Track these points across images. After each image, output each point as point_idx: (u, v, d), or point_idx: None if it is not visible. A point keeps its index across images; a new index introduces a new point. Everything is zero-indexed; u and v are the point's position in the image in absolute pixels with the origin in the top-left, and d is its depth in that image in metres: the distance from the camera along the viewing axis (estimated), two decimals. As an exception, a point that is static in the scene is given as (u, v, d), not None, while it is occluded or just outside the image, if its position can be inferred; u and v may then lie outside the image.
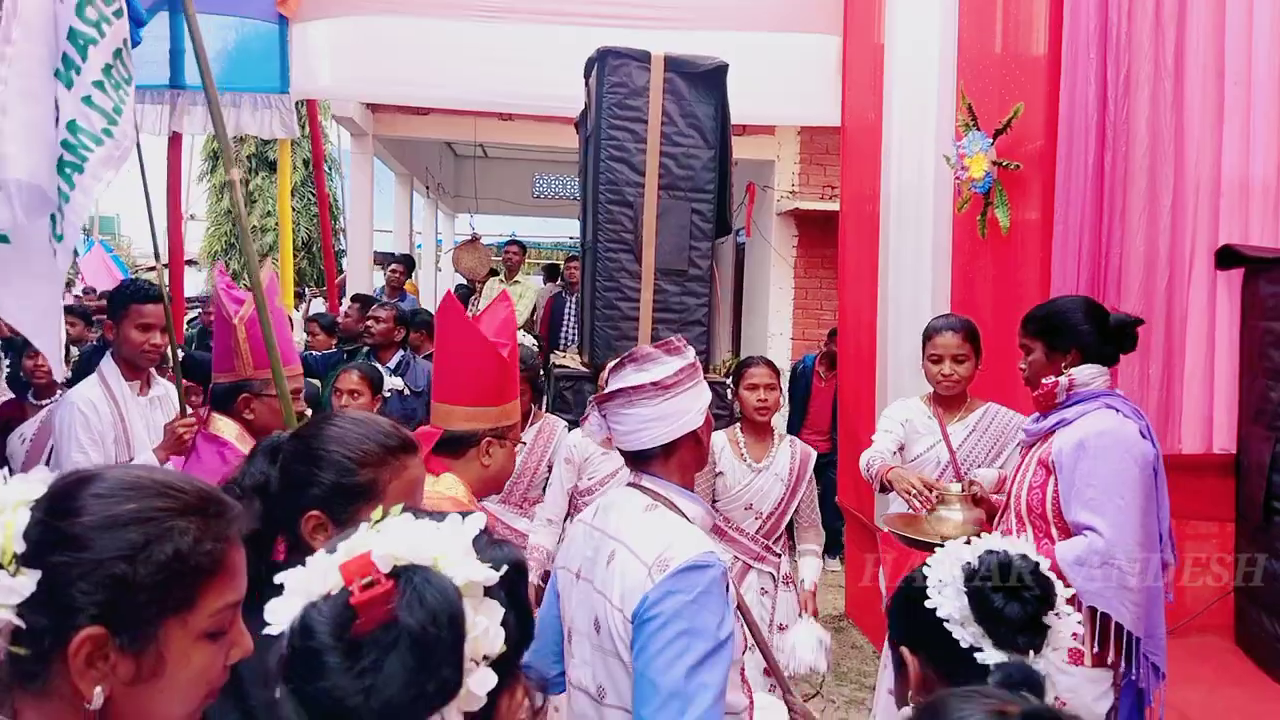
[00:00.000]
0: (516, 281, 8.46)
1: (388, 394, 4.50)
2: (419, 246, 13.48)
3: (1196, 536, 4.02)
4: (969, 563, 1.53)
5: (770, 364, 3.91)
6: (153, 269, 3.52)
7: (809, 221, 8.94)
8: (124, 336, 3.45)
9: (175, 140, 6.53)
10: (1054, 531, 2.71)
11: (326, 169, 16.38)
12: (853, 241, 6.25)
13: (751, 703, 1.88)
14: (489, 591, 0.93)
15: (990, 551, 1.54)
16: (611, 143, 4.57)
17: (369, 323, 5.56)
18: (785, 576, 3.88)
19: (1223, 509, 3.89)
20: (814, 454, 3.94)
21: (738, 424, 3.94)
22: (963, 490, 3.10)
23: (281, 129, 6.50)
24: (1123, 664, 2.59)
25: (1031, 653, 1.47)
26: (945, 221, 4.69)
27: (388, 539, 0.92)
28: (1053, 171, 3.81)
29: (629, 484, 1.93)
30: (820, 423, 7.35)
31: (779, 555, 3.88)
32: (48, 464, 3.75)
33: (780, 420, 8.54)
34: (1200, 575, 4.03)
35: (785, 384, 8.36)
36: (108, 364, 3.56)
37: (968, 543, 1.61)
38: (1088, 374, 2.71)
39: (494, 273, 8.80)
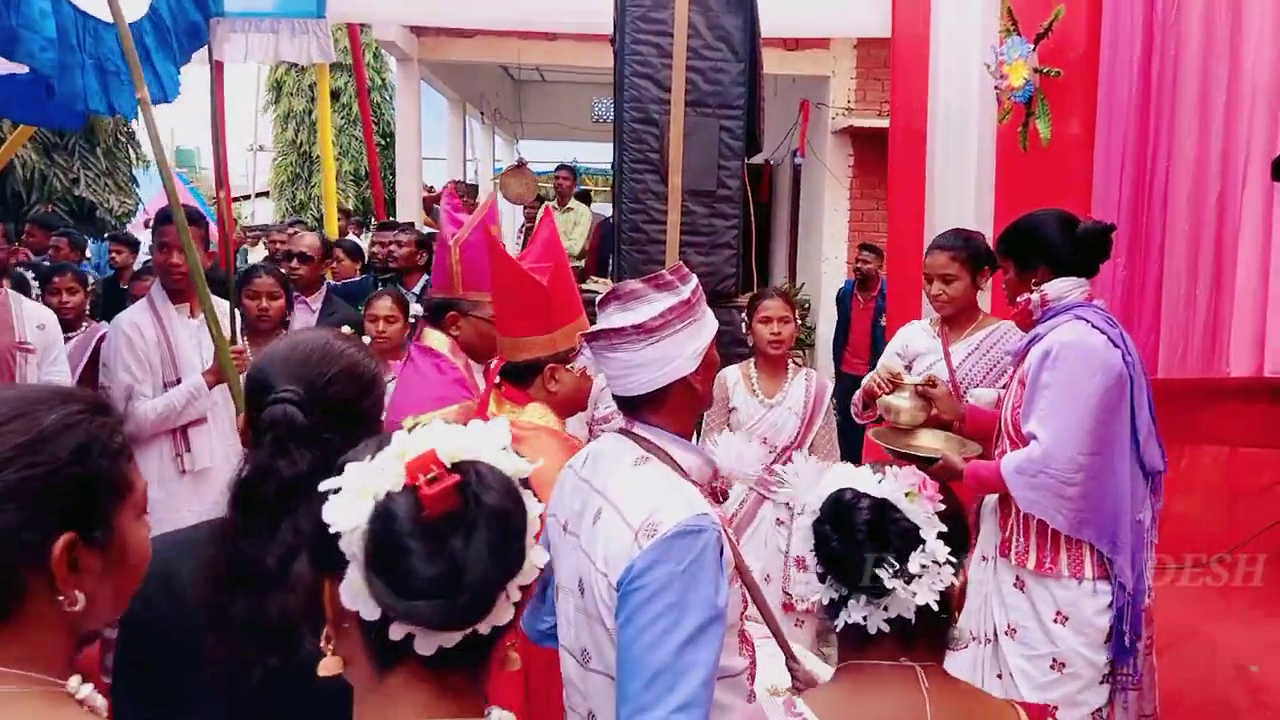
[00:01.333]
0: (570, 208, 8.35)
1: (413, 319, 4.48)
2: (474, 174, 13.43)
3: (1248, 464, 3.84)
4: (824, 495, 1.45)
5: (785, 296, 3.80)
6: (240, 199, 3.61)
7: (865, 140, 8.62)
8: (155, 258, 3.65)
9: (218, 69, 6.55)
10: None
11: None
12: (900, 160, 5.99)
13: (754, 660, 1.76)
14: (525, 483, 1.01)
15: (843, 489, 1.43)
16: (635, 58, 4.42)
17: (391, 248, 5.55)
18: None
19: (1275, 435, 3.69)
20: (830, 385, 3.85)
21: (752, 359, 3.85)
22: (919, 385, 3.09)
23: (319, 54, 6.45)
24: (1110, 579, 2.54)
25: (865, 598, 1.39)
26: (990, 136, 4.47)
27: (439, 440, 0.98)
28: (1095, 78, 3.59)
29: (621, 430, 1.79)
30: (861, 346, 7.20)
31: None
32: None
33: (826, 345, 8.40)
34: (1252, 504, 3.85)
35: (830, 309, 8.22)
36: (156, 288, 3.73)
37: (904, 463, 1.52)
38: (1060, 287, 2.65)
39: (542, 199, 8.71)
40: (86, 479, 1.05)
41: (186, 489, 3.61)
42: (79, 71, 4.00)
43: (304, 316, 4.59)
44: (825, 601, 1.43)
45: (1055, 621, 2.59)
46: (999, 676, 2.68)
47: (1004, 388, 3.11)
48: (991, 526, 2.77)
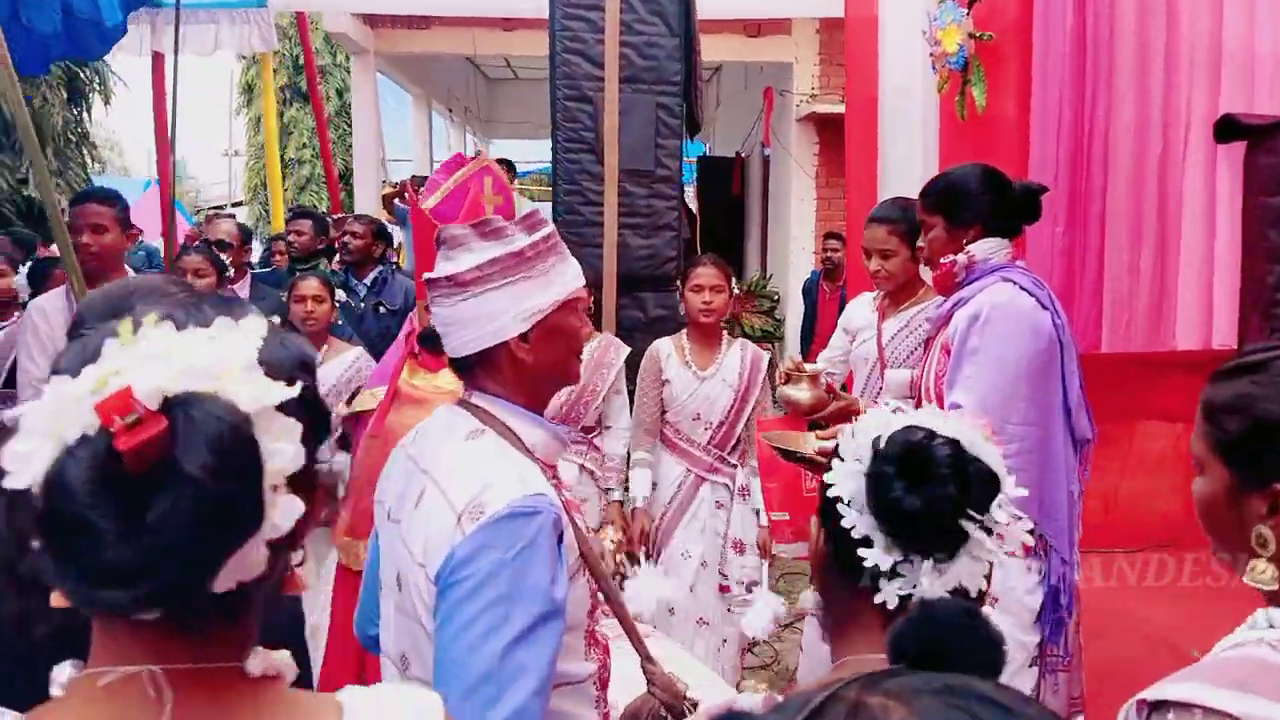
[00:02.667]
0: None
1: (338, 303, 4.35)
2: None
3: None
4: (880, 437, 1.21)
5: (720, 264, 3.65)
6: (217, 210, 3.52)
7: (830, 126, 8.48)
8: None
9: (157, 61, 6.41)
10: None
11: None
12: (854, 141, 5.87)
13: (605, 665, 1.56)
14: (284, 407, 0.77)
15: (912, 427, 1.20)
16: (566, 34, 4.29)
17: (345, 237, 5.40)
18: (741, 488, 3.67)
19: (1224, 410, 3.55)
20: (766, 356, 3.70)
21: (684, 329, 3.71)
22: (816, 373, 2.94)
23: (260, 43, 6.34)
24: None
25: (932, 562, 1.15)
26: (933, 108, 4.34)
27: (151, 364, 0.74)
28: (1029, 41, 3.44)
29: (458, 400, 1.57)
30: (828, 337, 7.06)
31: (734, 466, 3.68)
32: (8, 380, 3.74)
33: (795, 337, 8.27)
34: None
35: (800, 301, 8.09)
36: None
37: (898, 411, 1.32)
38: (987, 248, 2.47)
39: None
40: None
41: None
42: None
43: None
44: (873, 570, 1.15)
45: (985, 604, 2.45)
46: None
47: (915, 367, 2.98)
48: None
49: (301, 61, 17.33)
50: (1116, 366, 3.52)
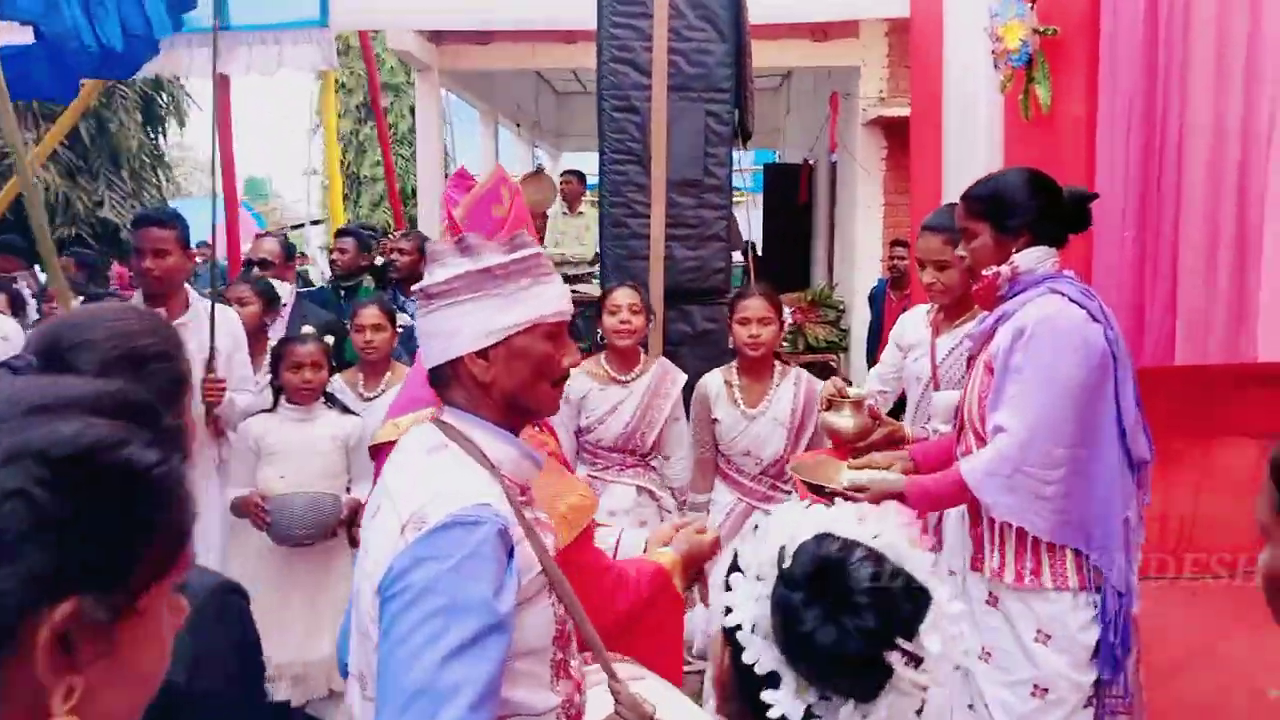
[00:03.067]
0: (581, 214, 8.15)
1: (400, 328, 4.34)
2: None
3: None
4: (784, 549, 1.01)
5: (769, 295, 3.51)
6: (297, 227, 3.57)
7: (898, 130, 8.23)
8: (132, 263, 3.72)
9: (224, 83, 6.52)
10: None
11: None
12: (919, 145, 5.70)
13: (572, 700, 1.48)
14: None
15: (825, 538, 1.00)
16: (614, 43, 4.20)
17: (394, 255, 5.40)
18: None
19: (1313, 426, 3.29)
20: (819, 385, 3.54)
21: (734, 364, 3.58)
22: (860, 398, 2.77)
23: (322, 61, 6.40)
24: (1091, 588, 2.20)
25: (853, 705, 0.97)
26: (998, 108, 4.15)
27: None
28: (1096, 35, 3.25)
29: (432, 417, 1.54)
30: (895, 348, 6.85)
31: (789, 493, 3.52)
32: None
33: (860, 347, 8.04)
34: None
35: (865, 310, 7.87)
36: (137, 294, 3.71)
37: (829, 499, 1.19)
38: (1033, 258, 2.28)
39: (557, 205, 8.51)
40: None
41: None
42: (65, 6, 4.06)
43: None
44: (782, 715, 0.97)
45: (1036, 641, 2.24)
46: (970, 707, 2.34)
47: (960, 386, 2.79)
48: (959, 537, 2.43)
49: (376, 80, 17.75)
50: (1192, 380, 3.29)
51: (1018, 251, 2.29)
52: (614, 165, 4.27)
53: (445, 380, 1.50)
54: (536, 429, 2.08)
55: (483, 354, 1.45)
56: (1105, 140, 3.24)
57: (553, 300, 1.50)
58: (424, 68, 8.37)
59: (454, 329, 1.45)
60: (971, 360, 2.47)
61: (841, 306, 8.82)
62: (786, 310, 9.62)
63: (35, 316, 4.71)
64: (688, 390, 3.66)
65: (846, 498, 2.30)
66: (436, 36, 8.28)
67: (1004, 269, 2.28)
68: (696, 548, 2.15)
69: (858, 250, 8.60)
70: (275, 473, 3.36)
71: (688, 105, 4.24)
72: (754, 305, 3.43)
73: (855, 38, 8.27)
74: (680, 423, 3.63)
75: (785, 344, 9.20)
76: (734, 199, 4.92)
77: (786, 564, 0.99)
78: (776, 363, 3.59)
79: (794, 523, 1.03)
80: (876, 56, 8.35)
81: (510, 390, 1.47)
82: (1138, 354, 3.33)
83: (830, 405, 2.80)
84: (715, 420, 3.53)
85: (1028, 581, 2.25)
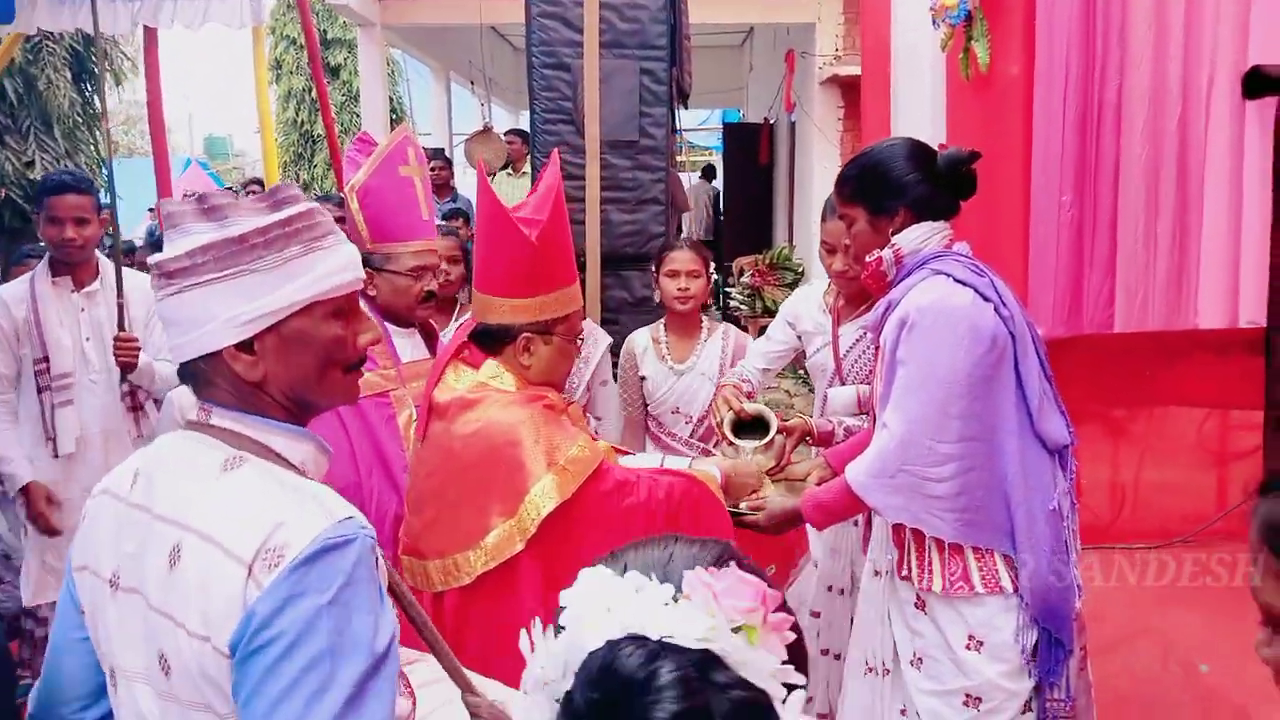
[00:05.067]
0: (525, 174, 7.97)
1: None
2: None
3: (1221, 428, 3.37)
4: (568, 662, 0.78)
5: (697, 248, 3.39)
6: (254, 183, 3.34)
7: (854, 89, 8.09)
8: (42, 231, 3.42)
9: (150, 36, 6.26)
10: None
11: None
12: (870, 106, 5.59)
13: (414, 703, 1.34)
14: None
15: (622, 645, 0.75)
16: (541, -3, 4.02)
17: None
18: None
19: (1252, 395, 3.22)
20: (750, 341, 3.43)
21: (662, 320, 3.45)
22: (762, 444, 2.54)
23: (251, 16, 6.14)
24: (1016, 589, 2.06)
25: None
26: (940, 68, 4.02)
27: None
28: (1035, -10, 3.11)
29: (190, 423, 1.25)
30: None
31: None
32: None
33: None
34: (1232, 473, 3.40)
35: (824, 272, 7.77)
36: (42, 263, 3.53)
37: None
38: (916, 236, 2.10)
39: (505, 166, 8.31)
40: None
41: (59, 472, 3.41)
42: None
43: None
44: None
45: (968, 649, 2.09)
46: (902, 712, 2.22)
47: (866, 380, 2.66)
48: (883, 537, 2.27)
49: (329, 36, 17.29)
50: (1131, 348, 3.21)
51: (895, 232, 2.12)
52: (545, 125, 4.11)
53: (202, 378, 1.23)
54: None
55: (245, 346, 1.20)
56: (1042, 102, 3.12)
57: (335, 271, 1.24)
58: (365, 23, 8.13)
59: (202, 315, 1.18)
60: (878, 351, 2.32)
61: (800, 269, 8.72)
62: (746, 273, 9.49)
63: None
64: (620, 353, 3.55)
65: (748, 523, 2.20)
66: (373, -10, 8.04)
67: (885, 253, 2.12)
68: (741, 468, 2.24)
69: (815, 212, 8.50)
70: None
71: (621, 63, 4.08)
72: (681, 258, 3.30)
73: (811, -7, 8.12)
74: (609, 385, 3.50)
75: (744, 307, 9.11)
76: (678, 159, 4.79)
77: (569, 683, 0.76)
78: (704, 318, 3.48)
79: (588, 613, 0.77)
80: (832, 13, 8.21)
81: (290, 386, 1.24)
82: (1076, 321, 3.24)
83: (732, 446, 2.56)
84: (643, 378, 3.42)
85: (957, 587, 2.08)
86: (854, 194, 2.19)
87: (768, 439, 2.54)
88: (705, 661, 0.74)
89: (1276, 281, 3.04)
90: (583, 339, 2.20)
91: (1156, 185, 3.12)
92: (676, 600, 0.77)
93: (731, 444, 2.56)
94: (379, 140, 2.87)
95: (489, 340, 2.06)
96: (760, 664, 0.75)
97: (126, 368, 3.36)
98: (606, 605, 0.78)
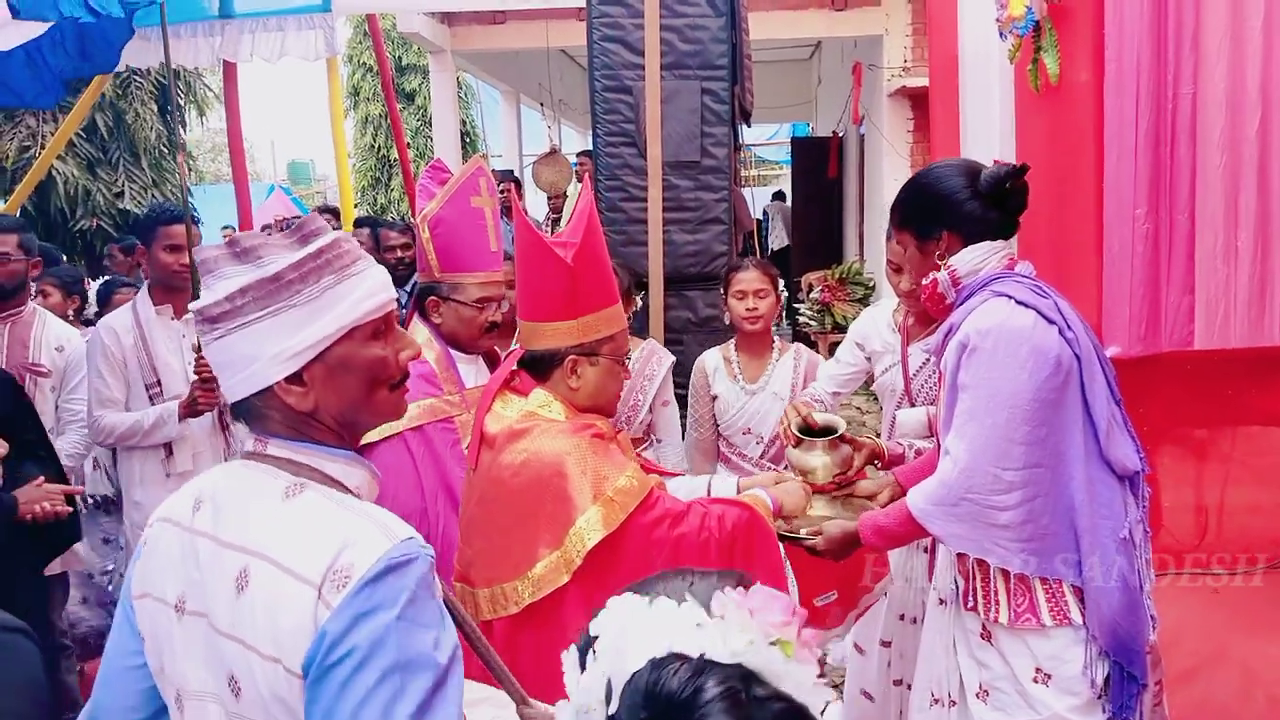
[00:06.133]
0: (595, 193, 8.03)
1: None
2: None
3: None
4: (610, 681, 0.79)
5: (764, 267, 3.37)
6: (328, 211, 3.44)
7: (924, 101, 7.99)
8: (154, 259, 3.52)
9: (229, 70, 6.48)
10: None
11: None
12: (938, 119, 5.48)
13: None
14: None
15: (664, 663, 0.76)
16: (604, 20, 4.05)
17: (387, 255, 5.29)
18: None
19: (1345, 412, 3.07)
20: (821, 361, 3.39)
21: (732, 340, 3.44)
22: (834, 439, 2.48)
23: (326, 48, 6.32)
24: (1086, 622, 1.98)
25: None
26: (1009, 80, 3.94)
27: None
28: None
29: (247, 454, 1.31)
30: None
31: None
32: None
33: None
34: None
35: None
36: (142, 292, 3.65)
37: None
38: (972, 258, 2.05)
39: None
40: None
41: (171, 491, 3.53)
42: None
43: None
44: None
45: (1035, 681, 2.02)
46: None
47: (934, 401, 2.59)
48: (947, 564, 2.21)
49: (404, 63, 17.68)
50: (1212, 366, 3.08)
51: (948, 254, 2.08)
52: (608, 147, 4.14)
53: (257, 414, 1.29)
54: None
55: (295, 379, 1.25)
56: (1114, 112, 3.02)
57: (369, 294, 1.28)
58: (437, 50, 8.29)
59: (250, 353, 1.23)
60: (942, 375, 2.27)
61: (871, 284, 8.61)
62: (816, 289, 9.39)
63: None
64: (685, 368, 3.53)
65: (802, 544, 2.16)
66: (448, 18, 8.19)
67: (940, 276, 2.08)
68: (789, 490, 2.18)
69: (885, 225, 8.40)
70: None
71: (682, 84, 4.09)
72: (749, 278, 3.30)
73: (877, 5, 8.05)
74: (670, 406, 3.49)
75: (813, 323, 9.02)
76: (744, 175, 4.77)
77: (613, 707, 0.76)
78: (775, 338, 3.47)
79: (624, 638, 0.78)
80: (899, 25, 8.11)
81: (341, 410, 1.29)
82: (1154, 339, 3.13)
83: (799, 441, 2.54)
84: (714, 397, 3.41)
85: (1025, 619, 2.02)
86: (903, 220, 2.18)
87: (835, 436, 2.51)
88: (746, 675, 0.76)
89: (1368, 294, 2.90)
90: (633, 359, 2.19)
91: (1236, 195, 2.99)
92: (710, 619, 0.79)
93: (798, 442, 2.52)
94: (452, 168, 2.92)
95: (536, 367, 2.07)
96: (798, 676, 0.78)
97: (203, 408, 3.40)
98: (644, 628, 0.79)
